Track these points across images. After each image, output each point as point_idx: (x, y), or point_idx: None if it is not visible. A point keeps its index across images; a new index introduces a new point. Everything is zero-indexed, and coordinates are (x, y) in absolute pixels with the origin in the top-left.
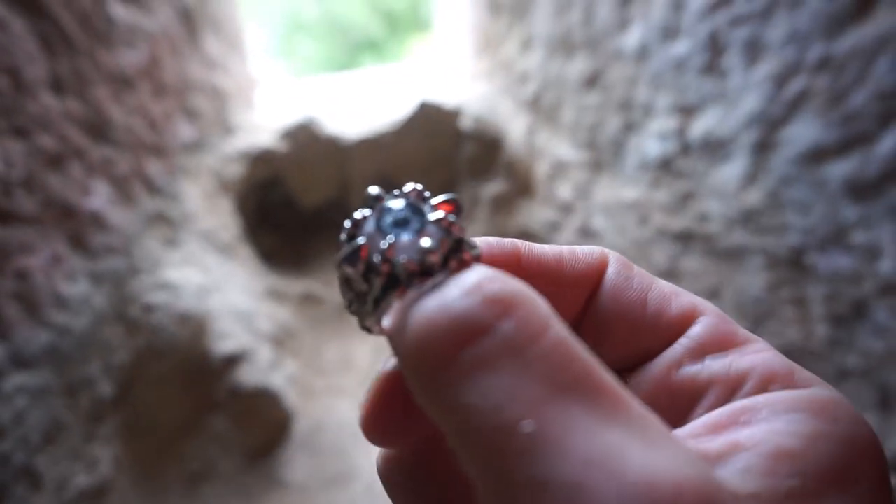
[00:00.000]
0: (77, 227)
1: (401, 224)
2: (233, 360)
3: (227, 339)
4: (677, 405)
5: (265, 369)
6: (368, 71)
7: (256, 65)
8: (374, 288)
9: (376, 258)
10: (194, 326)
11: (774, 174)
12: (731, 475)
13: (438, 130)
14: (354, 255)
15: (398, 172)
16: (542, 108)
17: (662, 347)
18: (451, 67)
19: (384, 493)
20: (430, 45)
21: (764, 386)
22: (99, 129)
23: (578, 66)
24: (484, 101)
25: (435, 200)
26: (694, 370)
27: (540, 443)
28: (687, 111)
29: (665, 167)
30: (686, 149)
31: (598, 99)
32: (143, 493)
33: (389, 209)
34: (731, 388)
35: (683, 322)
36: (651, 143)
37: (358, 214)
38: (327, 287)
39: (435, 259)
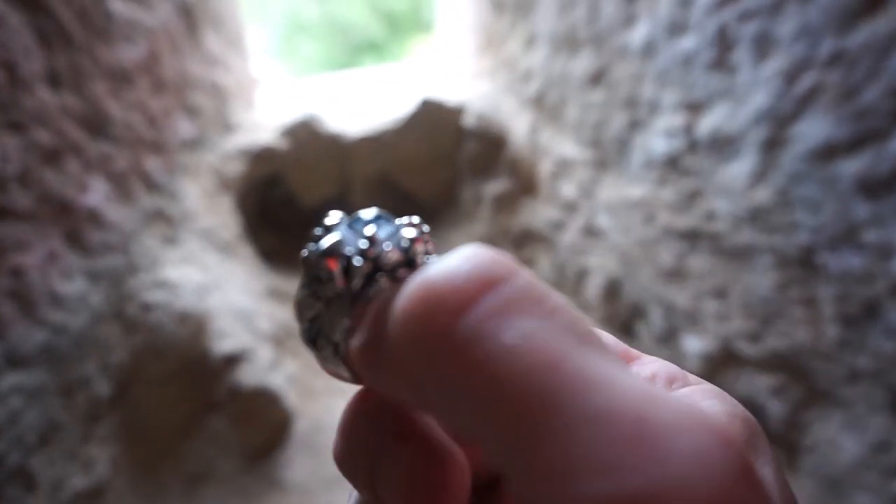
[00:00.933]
0: (74, 224)
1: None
2: (232, 360)
3: (226, 338)
4: None
5: (265, 369)
6: (370, 70)
7: (257, 64)
8: (355, 283)
9: (355, 250)
10: (193, 325)
11: (784, 172)
12: None
13: (440, 128)
14: (335, 249)
15: (399, 170)
16: (545, 106)
17: None
18: (453, 66)
19: None
20: (432, 44)
21: (670, 385)
22: (97, 124)
23: (583, 64)
24: (487, 99)
25: (400, 221)
26: None
27: (592, 379)
28: (694, 108)
29: (671, 165)
30: (693, 146)
31: (602, 96)
32: (141, 495)
33: (360, 217)
34: None
35: None
36: (657, 140)
37: (329, 220)
38: None
39: (420, 248)
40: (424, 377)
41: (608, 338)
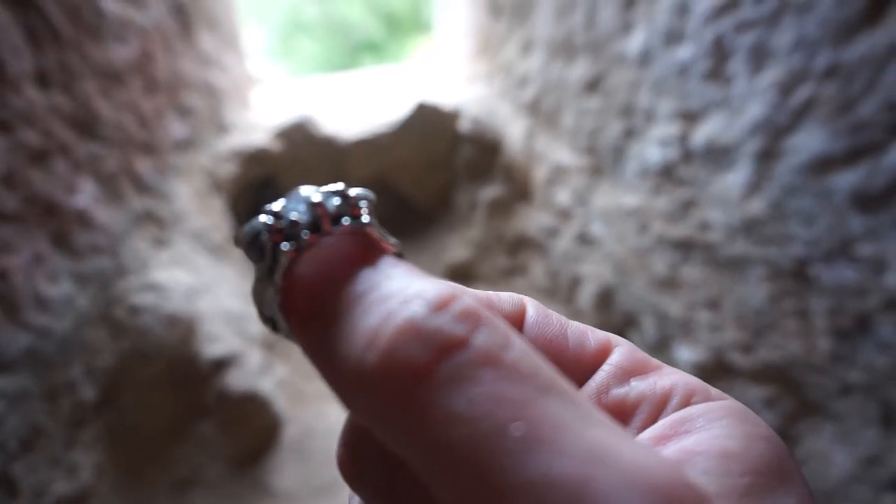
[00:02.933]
0: (61, 226)
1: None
2: (221, 364)
3: (215, 342)
4: None
5: (254, 373)
6: (366, 71)
7: (253, 63)
8: (268, 256)
9: (262, 226)
10: (182, 329)
11: (778, 183)
12: (694, 478)
13: (436, 132)
14: (249, 229)
15: (394, 174)
16: (541, 112)
17: (587, 377)
18: (450, 69)
19: None
20: (430, 47)
21: (687, 400)
22: (86, 124)
23: (579, 70)
24: (483, 104)
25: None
26: (622, 392)
27: (535, 442)
28: (689, 117)
29: (666, 174)
30: (688, 156)
31: (598, 103)
32: (126, 501)
33: (299, 193)
34: (659, 405)
35: (602, 353)
36: (652, 149)
37: (275, 206)
38: None
39: (322, 212)
40: (371, 415)
41: (622, 348)
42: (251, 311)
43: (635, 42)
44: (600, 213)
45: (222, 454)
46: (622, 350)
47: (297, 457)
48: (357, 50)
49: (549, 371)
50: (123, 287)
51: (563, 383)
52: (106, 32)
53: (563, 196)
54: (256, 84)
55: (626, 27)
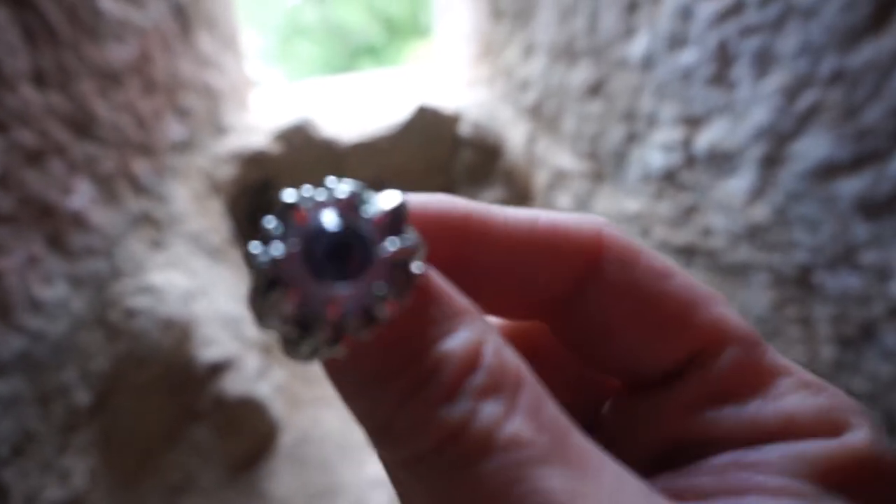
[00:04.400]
0: (56, 227)
1: (337, 255)
2: (218, 368)
3: (212, 345)
4: (680, 448)
5: (251, 378)
6: (366, 74)
7: (253, 67)
8: (313, 340)
9: (319, 311)
10: (178, 332)
11: (782, 190)
12: None
13: (436, 136)
14: (276, 303)
15: (394, 178)
16: (542, 116)
17: (670, 368)
18: (450, 73)
19: None
20: (430, 51)
21: (783, 436)
22: (83, 125)
23: (581, 74)
24: (483, 108)
25: (373, 209)
26: (709, 419)
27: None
28: (693, 122)
29: (668, 179)
30: (691, 161)
31: (600, 108)
32: None
33: (322, 231)
34: (747, 442)
35: (704, 345)
36: (654, 154)
37: (273, 224)
38: None
39: (392, 310)
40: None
41: (734, 350)
42: (248, 315)
43: (638, 46)
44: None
45: (218, 459)
46: (732, 353)
47: (293, 463)
48: (356, 54)
49: (556, 425)
50: (119, 290)
51: (571, 440)
52: (104, 32)
53: (563, 201)
54: (255, 86)
55: (628, 32)
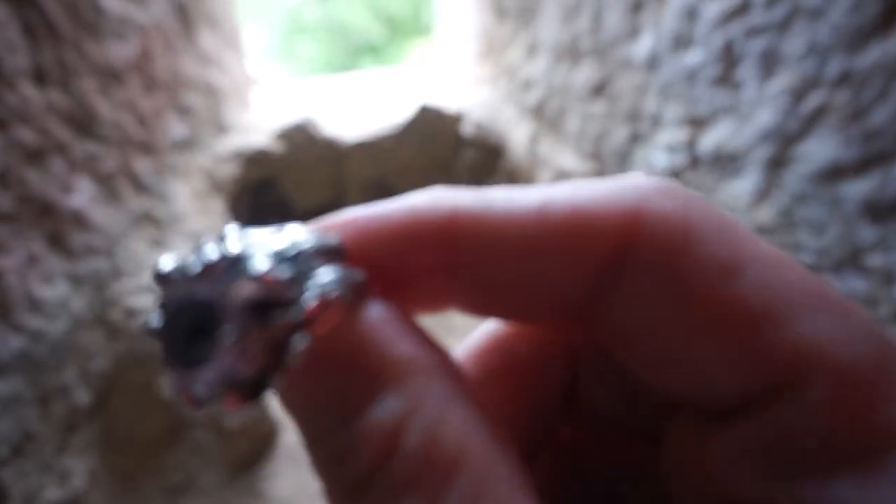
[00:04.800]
0: (56, 226)
1: (203, 328)
2: None
3: None
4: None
5: None
6: (368, 73)
7: (254, 64)
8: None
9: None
10: None
11: (788, 192)
12: None
13: (438, 135)
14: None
15: (396, 177)
16: (545, 116)
17: (724, 402)
18: (452, 72)
19: None
20: (432, 50)
21: None
22: (83, 123)
23: (585, 74)
24: (486, 107)
25: (250, 270)
26: (775, 487)
27: None
28: (697, 123)
29: (673, 180)
30: (695, 162)
31: (604, 108)
32: None
33: (182, 308)
34: None
35: (783, 378)
36: (659, 155)
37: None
38: None
39: (233, 406)
40: None
41: (827, 378)
42: None
43: (642, 46)
44: None
45: (217, 460)
46: (823, 396)
47: (292, 464)
48: (357, 52)
49: None
50: (119, 289)
51: None
52: (105, 30)
53: None
54: (256, 85)
55: (633, 31)
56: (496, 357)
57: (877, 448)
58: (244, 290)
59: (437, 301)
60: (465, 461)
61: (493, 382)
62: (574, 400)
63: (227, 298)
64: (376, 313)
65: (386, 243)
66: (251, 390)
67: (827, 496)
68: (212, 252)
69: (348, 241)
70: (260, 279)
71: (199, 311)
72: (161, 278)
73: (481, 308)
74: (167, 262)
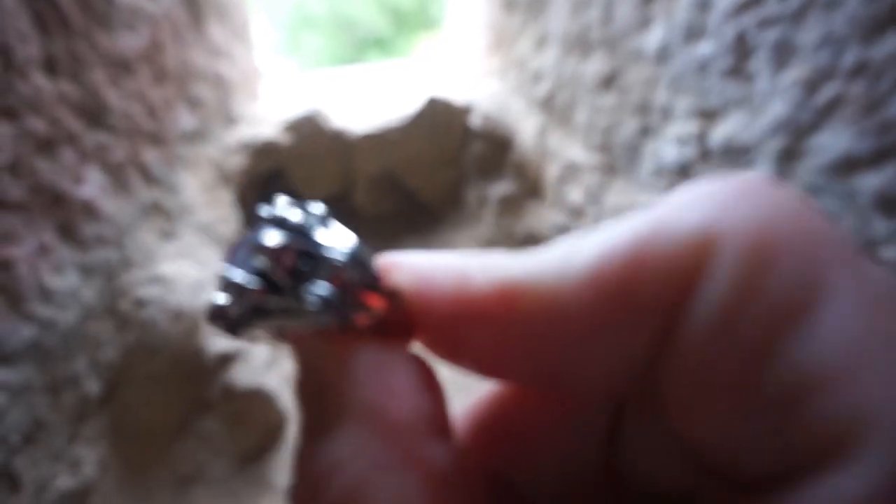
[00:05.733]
0: (67, 216)
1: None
2: (227, 359)
3: (221, 336)
4: None
5: (260, 369)
6: (376, 66)
7: (262, 56)
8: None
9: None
10: (188, 323)
11: (800, 184)
12: None
13: (447, 128)
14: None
15: (404, 169)
16: (555, 108)
17: (760, 475)
18: (461, 64)
19: None
20: (439, 42)
21: None
22: (94, 113)
23: (595, 66)
24: (494, 100)
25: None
26: None
27: None
28: (709, 115)
29: (683, 173)
30: (706, 155)
31: (614, 100)
32: (129, 496)
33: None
34: None
35: (818, 460)
36: (669, 147)
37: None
38: None
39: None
40: None
41: (861, 471)
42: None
43: (653, 38)
44: (613, 212)
45: (226, 450)
46: (869, 473)
47: None
48: (364, 46)
49: None
50: (129, 279)
51: None
52: (115, 20)
53: (575, 194)
54: (264, 76)
55: (644, 22)
56: (507, 415)
57: None
58: (346, 245)
59: (479, 364)
60: None
61: (502, 438)
62: (613, 452)
63: (337, 250)
64: (377, 356)
65: (436, 301)
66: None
67: None
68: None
69: (402, 282)
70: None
71: (304, 256)
72: (275, 220)
73: (526, 381)
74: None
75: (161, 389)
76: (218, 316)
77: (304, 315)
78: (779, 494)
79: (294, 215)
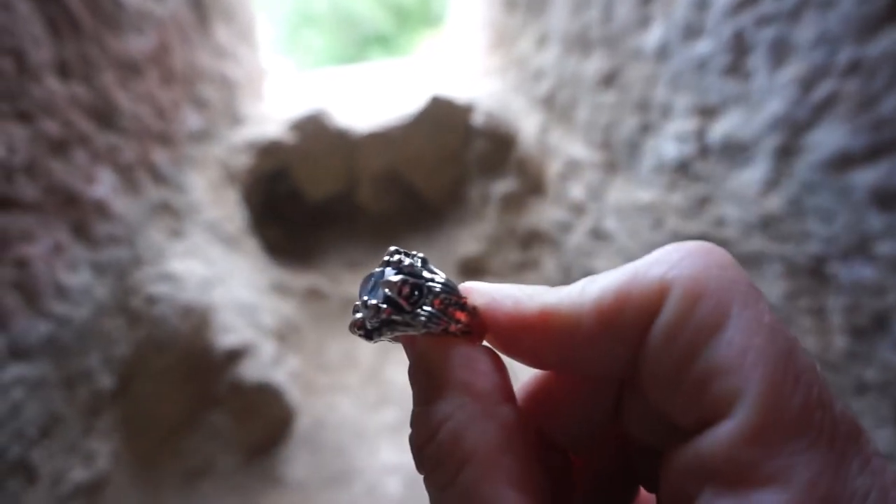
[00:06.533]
0: (80, 216)
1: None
2: (235, 355)
3: (229, 332)
4: None
5: (267, 364)
6: (379, 64)
7: (266, 57)
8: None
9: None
10: (196, 319)
11: (797, 180)
12: None
13: (449, 126)
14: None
15: (407, 167)
16: (556, 106)
17: (689, 433)
18: (463, 63)
19: (386, 494)
20: (441, 41)
21: None
22: (105, 115)
23: (595, 65)
24: (496, 98)
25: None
26: (688, 492)
27: None
28: (707, 113)
29: (682, 170)
30: (704, 151)
31: (614, 98)
32: (141, 489)
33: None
34: None
35: (712, 415)
36: (668, 144)
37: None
38: (333, 282)
39: (369, 309)
40: None
41: (736, 423)
42: (264, 303)
43: (653, 36)
44: (614, 209)
45: (234, 444)
46: (728, 431)
47: (308, 448)
48: (365, 43)
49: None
50: (140, 277)
51: None
52: (125, 23)
53: (576, 191)
54: (269, 76)
55: (643, 21)
56: (556, 385)
57: (762, 479)
58: (440, 279)
59: (527, 358)
60: (474, 458)
61: (551, 403)
62: (617, 417)
63: (435, 282)
64: (466, 350)
65: (500, 316)
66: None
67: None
68: (416, 261)
69: (478, 303)
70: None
71: (414, 285)
72: (390, 262)
73: (557, 369)
74: (397, 254)
75: (171, 384)
76: (359, 327)
77: (417, 325)
78: (698, 437)
79: (406, 260)
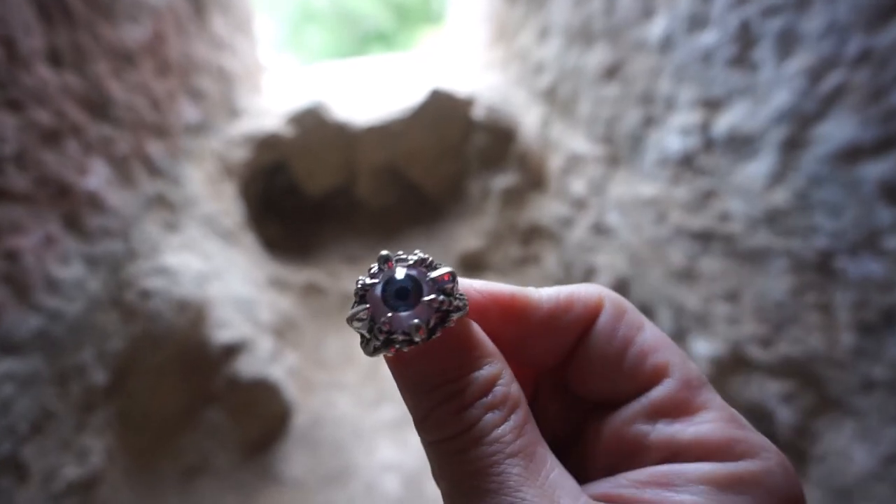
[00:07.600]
0: (72, 208)
1: (401, 295)
2: (231, 350)
3: (226, 328)
4: (625, 455)
5: (265, 360)
6: (379, 59)
7: (265, 50)
8: (375, 342)
9: (379, 325)
10: (192, 314)
11: (804, 173)
12: None
13: (449, 119)
14: (358, 313)
15: (407, 161)
16: (557, 100)
17: (631, 397)
18: (464, 56)
19: (384, 492)
20: (443, 35)
21: (697, 457)
22: (98, 105)
23: (597, 57)
24: (497, 91)
25: (435, 273)
26: (643, 430)
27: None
28: (712, 105)
29: (686, 163)
30: (709, 145)
31: (617, 91)
32: (136, 486)
33: (393, 280)
34: (670, 455)
35: (652, 379)
36: (672, 137)
37: (367, 279)
38: (331, 277)
39: (422, 335)
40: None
41: (671, 382)
42: (261, 298)
43: (657, 28)
44: (616, 203)
45: (231, 441)
46: (669, 385)
47: (305, 445)
48: (366, 40)
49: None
50: (134, 271)
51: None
52: (118, 12)
53: (578, 185)
54: (267, 69)
55: (647, 12)
56: None
57: (693, 411)
58: (438, 278)
59: (493, 332)
60: (521, 403)
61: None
62: (567, 374)
63: (428, 279)
64: (478, 327)
65: (484, 304)
66: (430, 331)
67: (666, 431)
68: (418, 256)
69: (471, 294)
70: (444, 274)
71: (403, 284)
72: (383, 259)
73: (513, 351)
74: (386, 253)
75: (167, 380)
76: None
77: (465, 309)
78: (629, 404)
79: (410, 257)
